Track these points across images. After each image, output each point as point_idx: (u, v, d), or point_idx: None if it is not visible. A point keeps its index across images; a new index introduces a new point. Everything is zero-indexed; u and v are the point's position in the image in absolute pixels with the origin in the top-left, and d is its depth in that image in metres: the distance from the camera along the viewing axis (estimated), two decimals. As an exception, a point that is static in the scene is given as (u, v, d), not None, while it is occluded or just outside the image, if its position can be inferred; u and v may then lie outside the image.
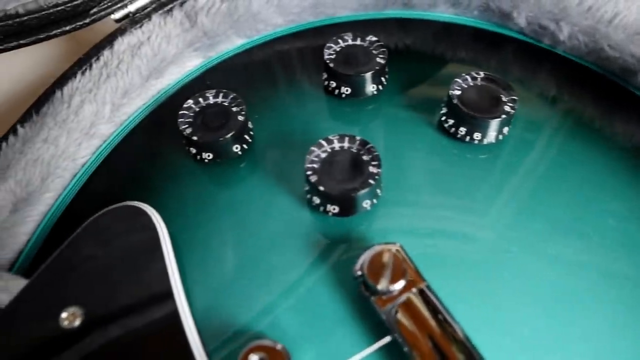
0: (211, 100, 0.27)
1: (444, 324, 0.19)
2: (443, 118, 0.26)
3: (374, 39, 0.29)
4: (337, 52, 0.28)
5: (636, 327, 0.20)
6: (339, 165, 0.23)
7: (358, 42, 0.29)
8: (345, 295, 0.21)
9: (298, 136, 0.27)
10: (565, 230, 0.23)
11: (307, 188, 0.24)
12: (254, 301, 0.22)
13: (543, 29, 0.30)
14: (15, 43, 0.29)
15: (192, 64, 0.31)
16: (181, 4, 0.31)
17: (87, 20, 0.30)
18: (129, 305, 0.21)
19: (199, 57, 0.32)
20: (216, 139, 0.25)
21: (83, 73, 0.29)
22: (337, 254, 0.23)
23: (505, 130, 0.26)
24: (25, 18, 0.29)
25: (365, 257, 0.21)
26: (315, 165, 0.23)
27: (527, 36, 0.31)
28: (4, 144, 0.27)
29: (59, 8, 0.29)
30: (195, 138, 0.25)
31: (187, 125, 0.26)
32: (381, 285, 0.20)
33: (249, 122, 0.27)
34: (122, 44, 0.30)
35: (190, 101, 0.27)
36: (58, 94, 0.28)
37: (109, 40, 0.30)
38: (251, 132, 0.27)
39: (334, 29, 0.32)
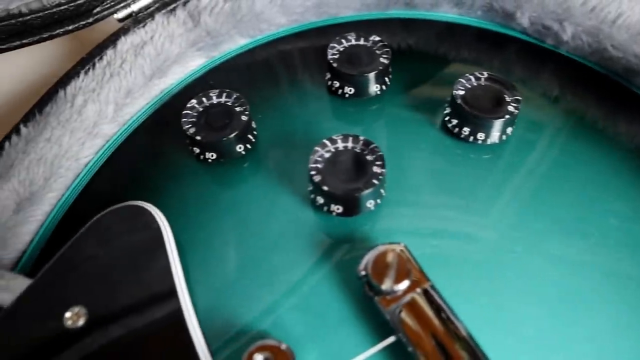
0: (214, 100, 0.27)
1: (449, 324, 0.19)
2: (446, 118, 0.26)
3: (378, 39, 0.29)
4: (340, 52, 0.28)
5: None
6: (343, 165, 0.23)
7: (361, 42, 0.29)
8: (349, 295, 0.21)
9: (301, 136, 0.27)
10: (569, 230, 0.23)
11: (310, 188, 0.24)
12: (258, 301, 0.22)
13: (546, 29, 0.30)
14: (18, 42, 0.29)
15: (195, 64, 0.31)
16: (184, 4, 0.31)
17: (90, 20, 0.30)
18: (133, 304, 0.21)
19: (202, 57, 0.32)
20: (219, 138, 0.25)
21: (86, 73, 0.29)
22: (341, 253, 0.23)
23: (509, 130, 0.26)
24: (29, 17, 0.28)
25: (369, 257, 0.21)
26: (319, 165, 0.23)
27: (530, 36, 0.31)
28: (7, 144, 0.27)
29: (62, 7, 0.29)
30: (198, 138, 0.25)
31: (190, 125, 0.26)
32: (385, 285, 0.20)
33: (253, 122, 0.27)
34: (125, 43, 0.30)
35: (193, 101, 0.27)
36: (61, 93, 0.28)
37: (112, 39, 0.30)
38: (254, 132, 0.27)
39: (337, 29, 0.32)
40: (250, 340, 0.20)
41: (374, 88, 0.28)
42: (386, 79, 0.28)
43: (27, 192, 0.26)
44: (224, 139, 0.25)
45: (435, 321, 0.19)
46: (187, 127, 0.26)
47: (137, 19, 0.31)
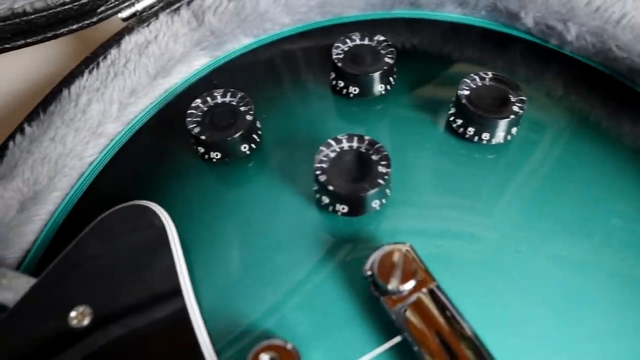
0: (219, 100, 0.27)
1: (454, 323, 0.19)
2: (451, 118, 0.26)
3: (382, 38, 0.29)
4: (345, 52, 0.28)
5: (644, 327, 0.20)
6: (348, 164, 0.23)
7: (366, 41, 0.29)
8: (354, 295, 0.21)
9: (306, 136, 0.27)
10: (573, 230, 0.23)
11: (316, 188, 0.24)
12: (263, 301, 0.22)
13: (550, 29, 0.30)
14: (22, 42, 0.29)
15: (199, 63, 0.31)
16: (188, 3, 0.31)
17: (95, 19, 0.30)
18: (138, 303, 0.21)
19: (206, 57, 0.32)
20: (224, 138, 0.25)
21: (90, 72, 0.29)
22: (346, 253, 0.23)
23: (514, 130, 0.26)
24: (33, 16, 0.28)
25: (375, 257, 0.21)
26: (324, 165, 0.23)
27: (534, 36, 0.31)
28: (11, 143, 0.27)
29: (66, 6, 0.29)
30: (203, 137, 0.25)
31: (195, 125, 0.26)
32: (391, 285, 0.20)
33: (257, 122, 0.27)
34: (129, 42, 0.30)
35: (198, 100, 0.26)
36: (65, 92, 0.28)
37: (116, 39, 0.30)
38: (259, 132, 0.27)
39: (341, 29, 0.32)
40: (255, 340, 0.20)
41: (378, 88, 0.28)
42: (391, 78, 0.28)
43: (31, 192, 0.26)
44: (229, 138, 0.25)
45: (441, 321, 0.19)
46: (191, 126, 0.26)
47: (141, 18, 0.31)
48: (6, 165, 0.26)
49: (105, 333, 0.21)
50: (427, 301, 0.20)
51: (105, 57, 0.29)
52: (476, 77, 0.26)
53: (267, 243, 0.23)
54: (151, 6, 0.31)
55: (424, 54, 0.31)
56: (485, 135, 0.25)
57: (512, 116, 0.25)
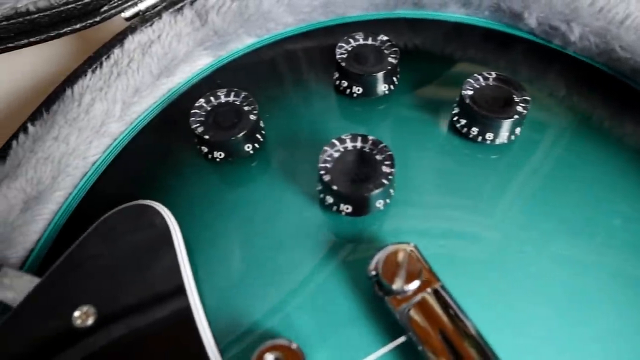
0: (223, 100, 0.27)
1: (459, 323, 0.19)
2: (455, 118, 0.26)
3: (386, 38, 0.29)
4: (348, 52, 0.28)
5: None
6: (352, 164, 0.23)
7: (370, 41, 0.29)
8: (358, 295, 0.21)
9: (309, 136, 0.27)
10: (577, 230, 0.23)
11: (320, 187, 0.24)
12: (267, 301, 0.22)
13: (554, 30, 0.30)
14: (25, 41, 0.29)
15: (202, 63, 0.31)
16: (191, 3, 0.31)
17: (98, 19, 0.30)
18: (142, 303, 0.21)
19: (209, 56, 0.32)
20: (228, 138, 0.25)
21: (93, 71, 0.29)
22: (350, 253, 0.23)
23: (518, 130, 0.26)
24: (36, 16, 0.28)
25: (379, 257, 0.21)
26: (328, 165, 0.23)
27: (537, 37, 0.31)
28: (14, 142, 0.27)
29: (69, 6, 0.29)
30: (207, 137, 0.25)
31: (198, 124, 0.26)
32: (396, 285, 0.20)
33: (261, 122, 0.27)
34: (132, 42, 0.30)
35: (201, 100, 0.26)
36: (68, 92, 0.28)
37: (119, 38, 0.30)
38: (263, 132, 0.27)
39: (344, 29, 0.32)
40: (259, 340, 0.20)
41: (382, 88, 0.28)
42: (394, 78, 0.28)
43: (34, 191, 0.26)
44: (233, 138, 0.25)
45: (446, 321, 0.19)
46: (195, 126, 0.26)
47: (145, 18, 0.31)
48: (9, 164, 0.26)
49: (109, 333, 0.21)
50: (432, 301, 0.20)
51: (108, 57, 0.29)
52: (480, 77, 0.26)
53: (271, 243, 0.23)
54: (154, 6, 0.31)
55: (427, 54, 0.31)
56: (489, 135, 0.25)
57: (516, 116, 0.25)
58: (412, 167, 0.25)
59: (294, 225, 0.24)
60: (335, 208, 0.23)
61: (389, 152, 0.23)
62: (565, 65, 0.30)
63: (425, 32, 0.32)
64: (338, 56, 0.28)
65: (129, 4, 0.31)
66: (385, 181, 0.23)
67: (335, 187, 0.22)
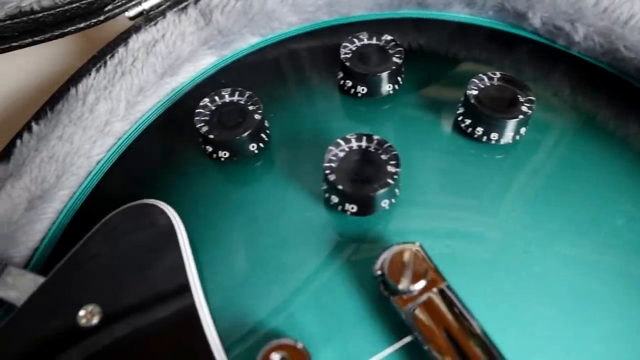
0: (227, 99, 0.27)
1: (465, 323, 0.19)
2: (460, 118, 0.26)
3: (390, 38, 0.29)
4: (353, 51, 0.28)
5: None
6: (357, 164, 0.23)
7: (374, 41, 0.29)
8: (364, 294, 0.21)
9: (314, 135, 0.27)
10: (582, 230, 0.23)
11: (325, 187, 0.24)
12: (272, 300, 0.22)
13: (558, 30, 0.30)
14: (29, 40, 0.29)
15: (206, 62, 0.31)
16: (196, 2, 0.31)
17: (102, 18, 0.30)
18: (147, 302, 0.21)
19: (213, 56, 0.32)
20: (233, 137, 0.25)
21: (98, 70, 0.29)
22: (356, 253, 0.23)
23: (522, 130, 0.26)
24: (40, 15, 0.28)
25: (385, 257, 0.21)
26: (333, 164, 0.23)
27: (541, 37, 0.31)
28: (18, 141, 0.27)
29: (73, 5, 0.29)
30: (211, 136, 0.25)
31: (203, 124, 0.26)
32: (402, 285, 0.20)
33: (265, 121, 0.27)
34: (136, 41, 0.30)
35: (206, 99, 0.26)
36: (72, 91, 0.28)
37: (123, 37, 0.30)
38: (267, 131, 0.27)
39: (348, 29, 0.32)
40: (264, 339, 0.20)
41: (386, 87, 0.28)
42: (399, 78, 0.28)
43: (39, 190, 0.26)
44: (237, 137, 0.25)
45: (452, 321, 0.19)
46: (200, 125, 0.26)
47: (149, 17, 0.31)
48: (14, 163, 0.26)
49: (114, 332, 0.21)
50: (438, 301, 0.20)
51: (112, 56, 0.29)
52: (485, 77, 0.26)
53: (276, 242, 0.23)
54: (158, 5, 0.31)
55: (432, 54, 0.31)
56: (494, 135, 0.25)
57: (521, 116, 0.25)
58: (417, 167, 0.25)
59: (298, 225, 0.24)
60: (340, 208, 0.23)
61: (394, 152, 0.23)
62: (569, 65, 0.30)
63: (429, 32, 0.32)
64: (342, 56, 0.28)
65: (133, 3, 0.31)
66: (390, 181, 0.23)
67: (340, 187, 0.22)
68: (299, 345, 0.19)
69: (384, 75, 0.27)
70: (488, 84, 0.26)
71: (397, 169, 0.23)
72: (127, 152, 0.28)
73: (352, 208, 0.23)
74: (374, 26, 0.32)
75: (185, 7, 0.31)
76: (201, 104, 0.26)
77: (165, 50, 0.30)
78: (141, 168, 0.28)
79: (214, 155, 0.26)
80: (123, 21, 0.31)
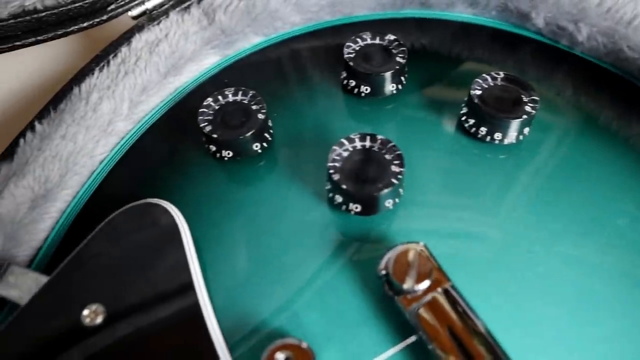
0: (231, 99, 0.27)
1: (469, 323, 0.19)
2: (463, 118, 0.26)
3: (393, 38, 0.29)
4: (356, 51, 0.28)
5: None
6: (361, 164, 0.23)
7: (377, 41, 0.29)
8: (368, 294, 0.21)
9: (317, 135, 0.27)
10: (586, 230, 0.23)
11: (329, 187, 0.24)
12: (276, 300, 0.22)
13: (561, 30, 0.30)
14: (33, 39, 0.29)
15: (209, 62, 0.31)
16: (199, 1, 0.31)
17: (105, 17, 0.30)
18: (151, 301, 0.21)
19: (217, 55, 0.32)
20: (236, 137, 0.25)
21: (101, 70, 0.29)
22: (360, 252, 0.23)
23: (526, 130, 0.26)
24: (43, 14, 0.28)
25: (390, 256, 0.21)
26: (337, 164, 0.23)
27: (545, 37, 0.31)
28: (21, 141, 0.27)
29: (77, 4, 0.29)
30: (215, 136, 0.25)
31: (207, 123, 0.26)
32: (407, 285, 0.20)
33: (269, 121, 0.27)
34: (139, 41, 0.30)
35: (209, 99, 0.26)
36: (76, 90, 0.28)
37: (126, 37, 0.30)
38: (271, 131, 0.27)
39: (351, 28, 0.32)
40: (268, 339, 0.20)
41: (390, 87, 0.28)
42: (402, 78, 0.28)
43: (42, 189, 0.26)
44: (241, 137, 0.25)
45: (457, 320, 0.19)
46: (203, 125, 0.26)
47: (152, 17, 0.31)
48: (17, 162, 0.26)
49: (118, 331, 0.21)
50: (442, 300, 0.20)
51: (115, 55, 0.29)
52: (488, 77, 0.26)
53: (280, 242, 0.23)
54: (161, 4, 0.31)
55: (435, 54, 0.31)
56: (498, 135, 0.25)
57: (525, 116, 0.25)
58: (420, 167, 0.25)
59: (302, 224, 0.24)
60: (344, 207, 0.23)
61: (398, 152, 0.23)
62: (572, 65, 0.30)
63: (432, 31, 0.32)
64: (346, 55, 0.28)
65: (136, 2, 0.31)
66: (394, 181, 0.23)
67: (344, 187, 0.22)
68: (304, 345, 0.19)
69: (388, 75, 0.27)
70: (492, 84, 0.26)
71: (401, 169, 0.23)
72: (130, 152, 0.28)
73: (356, 208, 0.23)
74: (377, 26, 0.32)
75: (188, 7, 0.31)
76: (204, 103, 0.26)
77: (169, 49, 0.30)
78: (144, 167, 0.28)
79: (217, 155, 0.26)
80: (126, 21, 0.31)
